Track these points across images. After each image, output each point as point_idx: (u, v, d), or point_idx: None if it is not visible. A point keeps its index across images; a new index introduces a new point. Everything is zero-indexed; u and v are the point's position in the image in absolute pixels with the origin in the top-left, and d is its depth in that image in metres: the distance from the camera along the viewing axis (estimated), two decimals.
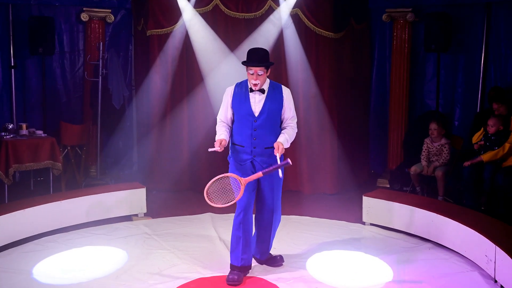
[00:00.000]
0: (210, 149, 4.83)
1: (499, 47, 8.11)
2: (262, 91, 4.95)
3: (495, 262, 4.89)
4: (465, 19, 8.28)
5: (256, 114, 4.94)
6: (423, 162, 7.48)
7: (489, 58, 8.20)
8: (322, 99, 8.00)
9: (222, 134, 4.94)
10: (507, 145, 6.61)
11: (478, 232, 5.22)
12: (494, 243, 4.93)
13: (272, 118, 4.97)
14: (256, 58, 4.89)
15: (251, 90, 4.96)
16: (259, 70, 4.86)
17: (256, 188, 5.07)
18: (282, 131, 5.00)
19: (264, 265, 5.33)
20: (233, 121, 5.07)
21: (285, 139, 4.92)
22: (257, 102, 4.96)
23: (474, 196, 6.84)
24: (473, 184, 6.81)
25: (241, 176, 4.79)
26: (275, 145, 4.83)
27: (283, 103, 5.00)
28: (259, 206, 5.16)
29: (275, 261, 5.36)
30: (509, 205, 6.44)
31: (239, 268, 5.00)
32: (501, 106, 6.96)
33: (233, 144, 5.06)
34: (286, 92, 5.04)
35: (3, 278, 5.03)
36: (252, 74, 4.88)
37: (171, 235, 6.26)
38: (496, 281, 4.90)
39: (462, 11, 8.28)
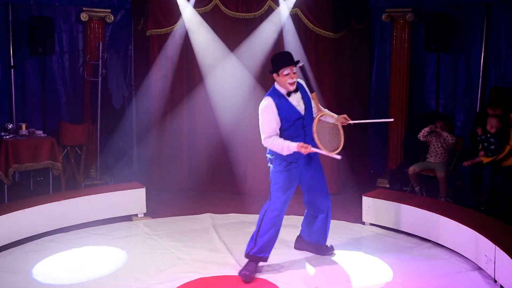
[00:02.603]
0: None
1: (499, 47, 8.12)
2: (295, 90, 5.08)
3: (494, 262, 4.88)
4: (465, 19, 8.28)
5: (303, 113, 5.09)
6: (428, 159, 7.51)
7: (489, 58, 8.21)
8: (322, 99, 7.98)
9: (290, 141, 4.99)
10: (507, 147, 6.60)
11: (478, 232, 5.21)
12: (494, 243, 4.92)
13: (311, 112, 5.19)
14: (289, 57, 5.04)
15: (288, 94, 5.03)
16: (294, 68, 5.00)
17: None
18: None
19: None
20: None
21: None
22: (296, 104, 5.08)
23: (474, 196, 6.84)
24: (473, 184, 6.81)
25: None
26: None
27: (309, 94, 5.17)
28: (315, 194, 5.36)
29: (327, 250, 5.61)
30: (509, 205, 6.43)
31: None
32: (496, 110, 6.93)
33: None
34: (303, 84, 5.19)
35: (3, 278, 5.04)
36: (287, 74, 4.96)
37: (171, 235, 6.26)
38: (496, 281, 4.89)
39: (462, 11, 8.29)
